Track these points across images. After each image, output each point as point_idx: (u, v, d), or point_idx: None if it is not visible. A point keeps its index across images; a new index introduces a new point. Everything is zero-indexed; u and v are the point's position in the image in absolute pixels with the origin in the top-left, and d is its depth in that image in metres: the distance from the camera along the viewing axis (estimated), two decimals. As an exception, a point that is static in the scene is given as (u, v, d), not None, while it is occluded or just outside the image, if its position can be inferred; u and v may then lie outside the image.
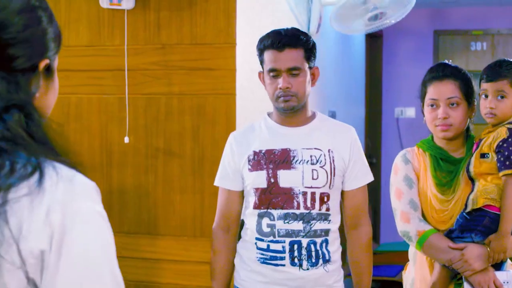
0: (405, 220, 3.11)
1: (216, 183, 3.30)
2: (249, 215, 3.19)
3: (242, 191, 3.24)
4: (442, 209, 3.10)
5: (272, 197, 3.11)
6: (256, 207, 3.14)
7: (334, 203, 3.15)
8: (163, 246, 4.14)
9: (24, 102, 1.29)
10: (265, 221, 3.12)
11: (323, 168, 3.11)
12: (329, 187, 3.11)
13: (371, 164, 8.25)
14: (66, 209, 1.23)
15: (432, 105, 3.11)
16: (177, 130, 4.11)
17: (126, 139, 4.12)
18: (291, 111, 3.13)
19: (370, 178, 3.25)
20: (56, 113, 4.18)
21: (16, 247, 1.20)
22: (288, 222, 3.08)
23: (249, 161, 3.16)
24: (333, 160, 3.13)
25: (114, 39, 4.19)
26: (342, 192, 3.22)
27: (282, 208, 3.08)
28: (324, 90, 6.04)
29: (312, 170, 3.10)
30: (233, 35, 3.99)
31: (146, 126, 4.16)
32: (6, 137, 1.25)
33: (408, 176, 3.18)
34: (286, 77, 3.07)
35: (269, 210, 3.11)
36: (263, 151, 3.15)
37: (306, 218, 3.08)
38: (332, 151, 3.14)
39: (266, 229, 3.12)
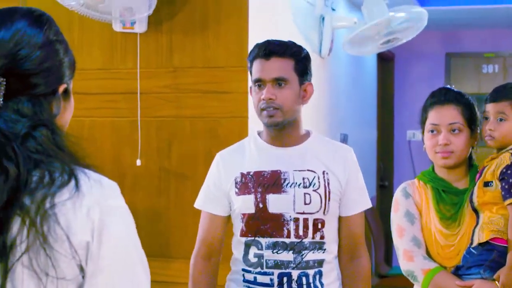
0: (408, 259, 2.90)
1: (197, 206, 3.05)
2: (236, 243, 2.93)
3: (227, 216, 2.97)
4: (448, 245, 2.89)
5: (260, 224, 2.82)
6: (243, 234, 2.86)
7: (330, 230, 2.86)
8: (176, 269, 4.13)
9: (48, 121, 1.55)
10: (253, 250, 2.84)
11: (317, 192, 2.82)
12: (324, 212, 2.83)
13: (383, 187, 8.29)
14: (101, 207, 1.52)
15: (432, 131, 2.93)
16: (190, 153, 4.11)
17: (138, 162, 4.13)
18: (277, 127, 2.85)
19: (368, 204, 2.99)
20: (69, 136, 4.19)
21: (68, 242, 1.47)
22: (277, 252, 2.79)
23: (236, 183, 2.88)
24: (328, 183, 2.84)
25: (126, 63, 4.21)
26: (339, 219, 2.92)
27: (270, 236, 2.80)
28: (336, 113, 6.04)
29: (305, 194, 2.81)
30: (245, 58, 3.99)
31: (158, 149, 4.17)
32: (40, 151, 1.51)
33: (409, 211, 2.97)
34: (270, 87, 2.81)
35: (256, 238, 2.82)
36: (251, 173, 2.86)
37: (297, 248, 2.79)
38: (327, 173, 2.85)
39: (253, 260, 2.84)
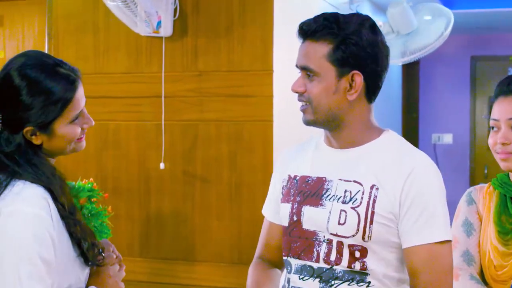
0: (455, 277, 2.33)
1: (262, 211, 2.48)
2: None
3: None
4: (501, 265, 2.35)
5: (292, 241, 2.24)
6: (283, 251, 2.31)
7: (377, 262, 2.15)
8: (200, 272, 4.13)
9: (7, 151, 2.04)
10: (284, 273, 2.30)
11: (355, 210, 2.13)
12: (363, 238, 2.12)
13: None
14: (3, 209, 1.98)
15: (493, 128, 2.44)
16: (214, 156, 4.12)
17: (162, 165, 4.14)
18: (315, 126, 2.24)
19: (439, 236, 2.11)
20: (94, 140, 4.22)
21: None
22: (302, 279, 2.20)
23: (283, 187, 2.33)
24: (374, 201, 2.12)
25: (151, 66, 4.22)
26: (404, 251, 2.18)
27: (298, 258, 2.21)
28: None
29: (341, 211, 2.14)
30: (270, 61, 4.00)
31: (183, 152, 4.17)
32: None
33: (468, 220, 2.47)
34: (300, 77, 2.20)
35: (288, 258, 2.25)
36: (297, 177, 2.28)
37: (325, 276, 2.16)
38: (376, 189, 2.13)
39: (285, 284, 2.29)
